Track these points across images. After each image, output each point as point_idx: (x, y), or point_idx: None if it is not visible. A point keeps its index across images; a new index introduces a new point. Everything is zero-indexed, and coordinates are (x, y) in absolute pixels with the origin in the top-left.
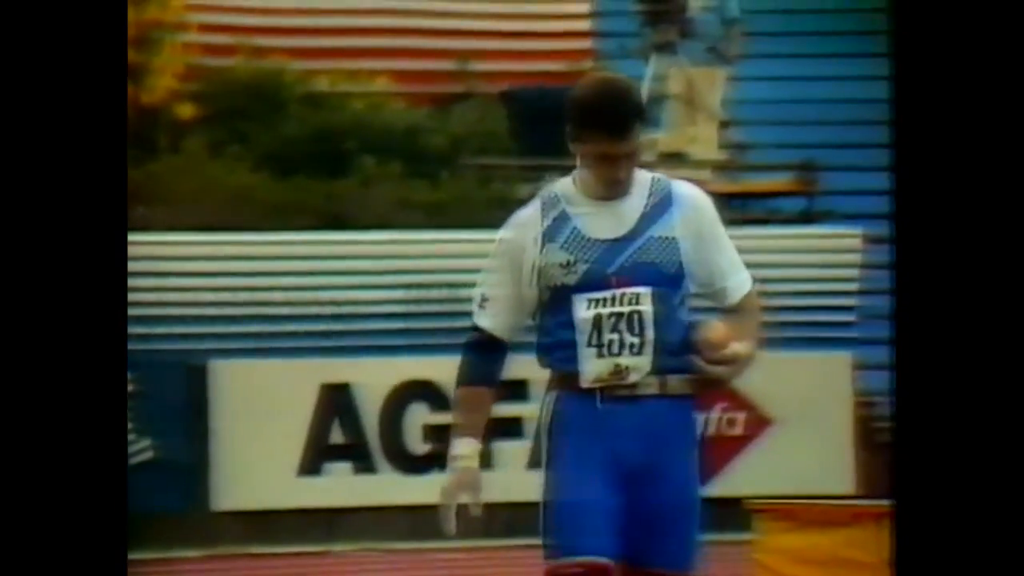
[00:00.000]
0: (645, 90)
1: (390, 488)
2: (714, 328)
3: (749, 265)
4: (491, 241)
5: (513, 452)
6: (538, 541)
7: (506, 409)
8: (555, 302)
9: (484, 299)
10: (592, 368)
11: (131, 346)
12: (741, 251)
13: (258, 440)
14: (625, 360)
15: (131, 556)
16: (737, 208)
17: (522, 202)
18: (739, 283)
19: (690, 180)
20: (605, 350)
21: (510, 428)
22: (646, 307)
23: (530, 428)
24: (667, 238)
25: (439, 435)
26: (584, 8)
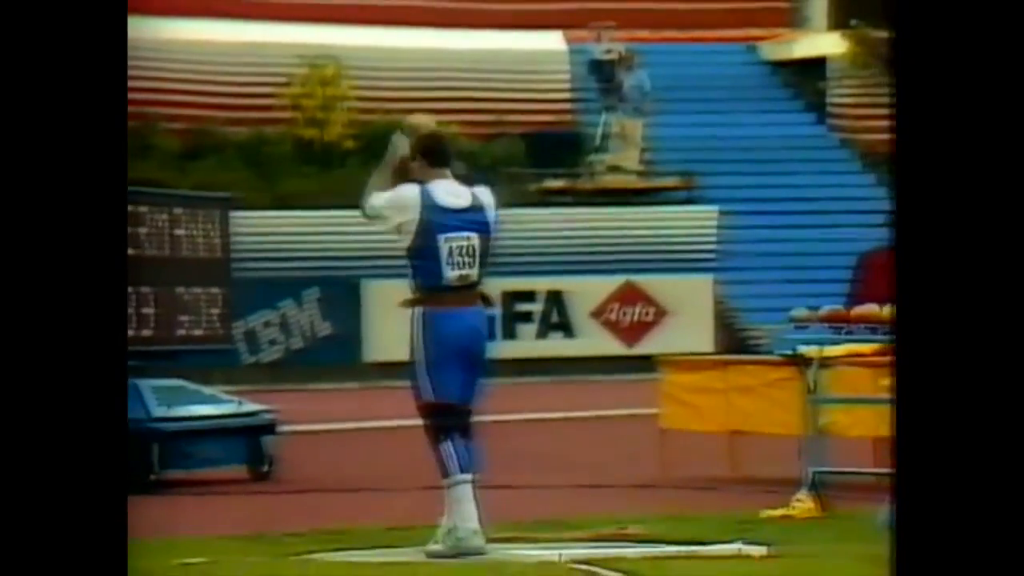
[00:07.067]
0: (601, 131)
1: None
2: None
3: (655, 227)
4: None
5: None
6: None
7: None
8: (426, 241)
9: (380, 206)
10: (449, 275)
11: (316, 273)
12: (650, 221)
13: (393, 322)
14: (466, 271)
15: (320, 388)
16: (650, 196)
17: (530, 193)
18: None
19: (623, 179)
20: (455, 265)
21: None
22: (475, 243)
23: None
24: (485, 209)
25: None
26: (567, 85)
